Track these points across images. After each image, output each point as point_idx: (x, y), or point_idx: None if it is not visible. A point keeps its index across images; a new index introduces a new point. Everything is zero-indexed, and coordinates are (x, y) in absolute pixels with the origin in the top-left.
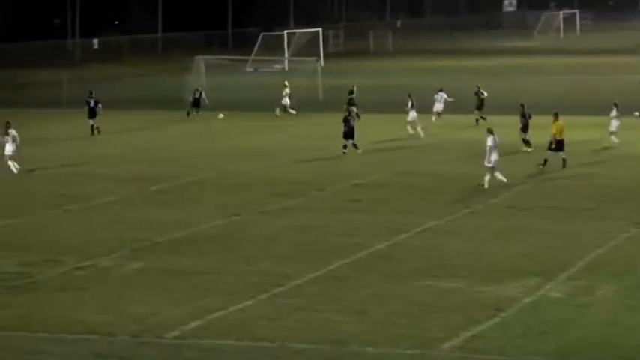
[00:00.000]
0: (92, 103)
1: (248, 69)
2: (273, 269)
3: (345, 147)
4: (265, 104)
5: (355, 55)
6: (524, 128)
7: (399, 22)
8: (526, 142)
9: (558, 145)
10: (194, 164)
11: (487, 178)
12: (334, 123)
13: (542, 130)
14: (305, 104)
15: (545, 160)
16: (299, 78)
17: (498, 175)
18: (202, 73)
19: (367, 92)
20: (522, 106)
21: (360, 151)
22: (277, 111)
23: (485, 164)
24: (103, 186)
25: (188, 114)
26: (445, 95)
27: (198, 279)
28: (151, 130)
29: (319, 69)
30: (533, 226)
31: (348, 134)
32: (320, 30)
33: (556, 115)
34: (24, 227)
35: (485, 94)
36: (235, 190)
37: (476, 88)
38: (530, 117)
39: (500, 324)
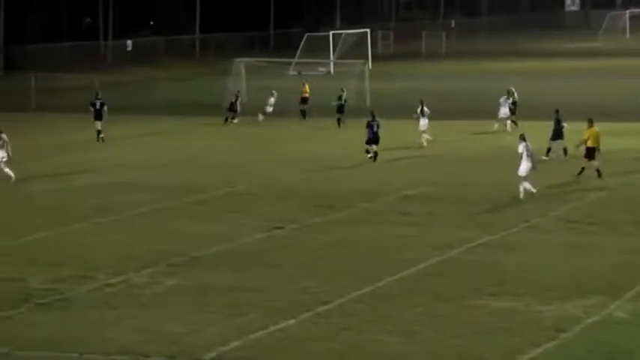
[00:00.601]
0: (98, 106)
1: (291, 72)
2: (318, 287)
3: (367, 152)
4: (309, 109)
5: (406, 58)
6: (556, 135)
7: (453, 22)
8: (548, 150)
9: (588, 153)
10: (233, 173)
11: (521, 188)
12: (384, 129)
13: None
14: (351, 110)
15: (582, 170)
16: (345, 81)
17: (527, 185)
18: (242, 76)
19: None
20: (557, 111)
21: (369, 155)
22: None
23: (519, 174)
24: (135, 197)
25: (226, 120)
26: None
27: (238, 296)
28: (187, 137)
29: (367, 72)
30: (598, 241)
31: (372, 140)
32: (368, 30)
33: (590, 121)
34: (53, 241)
35: (516, 97)
36: (278, 201)
37: (511, 91)
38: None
39: (561, 346)
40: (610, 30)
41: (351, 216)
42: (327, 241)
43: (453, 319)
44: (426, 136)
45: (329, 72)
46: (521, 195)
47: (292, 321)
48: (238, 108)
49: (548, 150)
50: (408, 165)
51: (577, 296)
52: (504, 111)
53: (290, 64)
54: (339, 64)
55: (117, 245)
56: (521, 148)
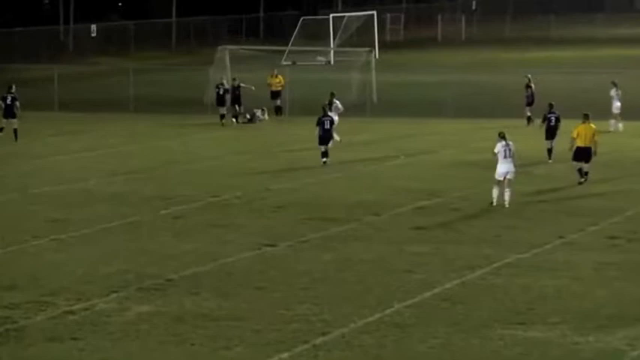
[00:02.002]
0: (9, 100)
1: (284, 62)
2: (316, 314)
3: (323, 155)
4: (306, 106)
5: (419, 45)
6: (549, 133)
7: (474, 4)
8: (549, 152)
9: (578, 154)
10: (217, 181)
11: (495, 193)
12: (392, 129)
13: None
14: (356, 106)
15: (579, 171)
16: (348, 73)
17: (506, 193)
18: (227, 66)
19: (433, 90)
20: (550, 105)
21: (325, 160)
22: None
23: (495, 176)
24: (100, 208)
25: (222, 117)
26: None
27: (221, 326)
28: (162, 139)
29: (373, 62)
30: None
31: (324, 138)
32: (374, 13)
33: (586, 117)
34: (4, 261)
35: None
36: (269, 214)
37: (526, 80)
38: (548, 121)
39: None
40: None
41: (354, 231)
42: (326, 260)
43: (475, 353)
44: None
45: (328, 62)
46: (494, 201)
47: (286, 354)
48: (228, 102)
49: (550, 151)
50: (421, 171)
51: (620, 326)
52: (617, 105)
53: (283, 52)
54: (340, 53)
55: (79, 265)
56: (498, 147)
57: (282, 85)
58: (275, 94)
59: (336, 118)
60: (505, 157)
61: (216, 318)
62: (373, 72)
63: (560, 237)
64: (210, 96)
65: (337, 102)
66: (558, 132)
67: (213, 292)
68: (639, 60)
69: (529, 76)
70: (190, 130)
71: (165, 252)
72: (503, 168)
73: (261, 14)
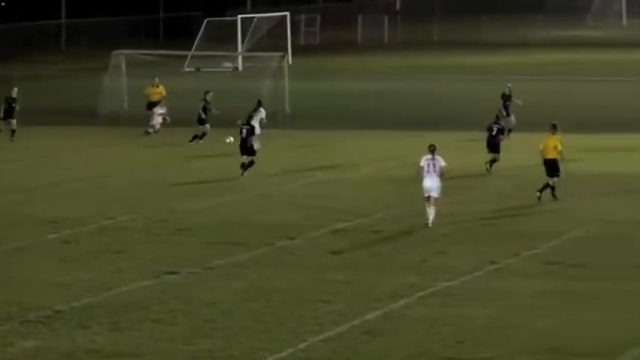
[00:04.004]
0: None
1: (187, 68)
2: (222, 349)
3: (242, 166)
4: (214, 118)
5: (336, 49)
6: (491, 145)
7: (398, 4)
8: (491, 163)
9: (545, 167)
10: (112, 202)
11: (428, 209)
12: (307, 143)
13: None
14: (267, 117)
15: (545, 187)
16: (258, 80)
17: (431, 213)
18: (123, 73)
19: (352, 99)
20: (497, 117)
21: (245, 173)
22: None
23: (424, 193)
24: None
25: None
26: None
27: None
28: (51, 155)
29: (286, 68)
30: (585, 289)
31: (242, 148)
32: (287, 14)
33: (554, 127)
34: None
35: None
36: (170, 237)
37: (507, 89)
38: (490, 131)
39: None
40: (602, 14)
41: (266, 257)
42: (234, 289)
43: None
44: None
45: (236, 68)
46: (430, 223)
47: None
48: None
49: (492, 162)
50: (340, 189)
51: None
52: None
53: (186, 58)
54: (249, 58)
55: None
56: (422, 161)
57: (162, 96)
58: (152, 105)
59: (257, 126)
60: (428, 171)
61: (110, 354)
62: (286, 79)
63: (493, 262)
64: (108, 106)
65: (262, 110)
66: (502, 145)
67: (107, 326)
68: (581, 64)
69: (510, 85)
70: (82, 144)
71: (53, 281)
72: (427, 183)
73: (161, 15)
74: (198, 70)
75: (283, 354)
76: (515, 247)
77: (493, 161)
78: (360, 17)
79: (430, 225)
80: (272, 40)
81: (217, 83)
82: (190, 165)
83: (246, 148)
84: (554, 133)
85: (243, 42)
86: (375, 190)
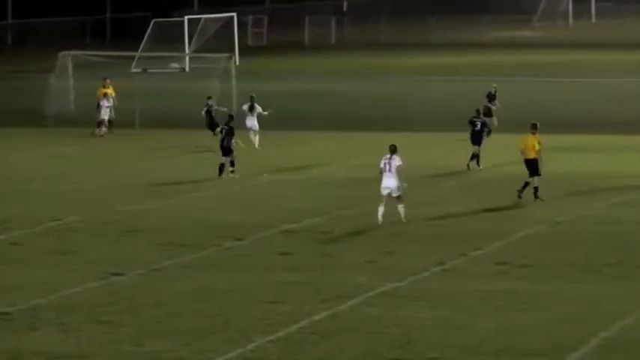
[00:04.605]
0: None
1: (134, 69)
2: (170, 350)
3: (221, 169)
4: (157, 117)
5: (284, 50)
6: (474, 138)
7: (345, 5)
8: (472, 158)
9: (528, 167)
10: (59, 203)
11: (380, 211)
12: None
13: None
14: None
15: (524, 186)
16: (206, 81)
17: (399, 209)
18: (70, 74)
19: (300, 100)
20: (477, 111)
21: (236, 176)
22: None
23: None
24: None
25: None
26: None
27: None
28: None
29: (233, 69)
30: (533, 289)
31: (223, 150)
32: (234, 15)
33: (534, 127)
34: None
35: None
36: (118, 239)
37: (493, 89)
38: (473, 125)
39: None
40: (548, 15)
41: (213, 258)
42: (181, 290)
43: None
44: (256, 138)
45: (183, 69)
46: (380, 220)
47: None
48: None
49: (475, 157)
50: (288, 190)
51: None
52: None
53: (133, 59)
54: (196, 59)
55: None
56: (382, 161)
57: (112, 97)
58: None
59: (256, 123)
60: (385, 171)
61: (58, 356)
62: (233, 80)
63: (441, 263)
64: (55, 107)
65: (257, 105)
66: (484, 138)
67: (55, 327)
68: (526, 66)
69: (495, 85)
70: (29, 145)
71: (0, 283)
72: (384, 182)
73: (108, 15)
74: (145, 71)
75: (232, 355)
76: (463, 248)
77: (474, 156)
78: (307, 18)
79: (404, 220)
80: (219, 41)
81: (164, 84)
82: (138, 166)
83: (225, 149)
84: (534, 133)
85: (190, 43)
86: (324, 191)
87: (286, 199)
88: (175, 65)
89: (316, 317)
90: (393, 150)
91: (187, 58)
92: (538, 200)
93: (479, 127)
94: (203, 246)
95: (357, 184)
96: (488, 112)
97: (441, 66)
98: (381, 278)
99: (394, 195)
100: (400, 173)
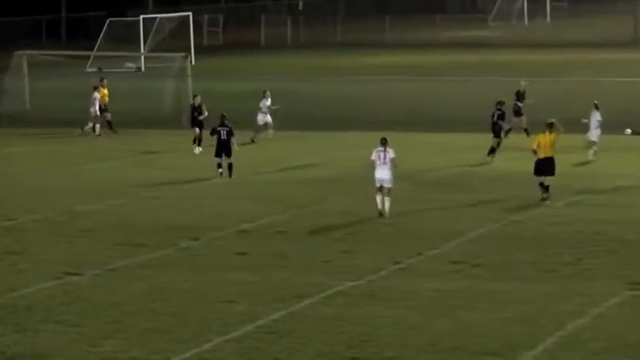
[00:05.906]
0: None
1: (89, 69)
2: (125, 350)
3: (219, 166)
4: (116, 119)
5: (240, 50)
6: (494, 130)
7: (300, 4)
8: (490, 152)
9: (538, 167)
10: (12, 202)
11: (378, 200)
12: (212, 146)
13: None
14: (167, 118)
15: (542, 187)
16: (161, 81)
17: (385, 202)
18: (24, 74)
19: (256, 100)
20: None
21: (220, 170)
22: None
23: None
24: None
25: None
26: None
27: None
28: None
29: (189, 69)
30: (489, 288)
31: (221, 150)
32: (190, 14)
33: (550, 126)
34: None
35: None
36: (73, 239)
37: (522, 87)
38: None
39: None
40: (503, 15)
41: (168, 258)
42: (136, 290)
43: None
44: (271, 132)
45: (139, 68)
46: (386, 212)
47: None
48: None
49: (491, 152)
50: (244, 190)
51: (462, 359)
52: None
53: (88, 58)
54: (152, 59)
55: None
56: (374, 153)
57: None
58: (105, 110)
59: (269, 117)
60: (379, 163)
61: (14, 356)
62: (189, 79)
63: (396, 262)
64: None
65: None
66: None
67: (9, 328)
68: (483, 65)
69: (524, 83)
70: None
71: None
72: (379, 174)
73: (63, 15)
74: (100, 70)
75: (188, 354)
76: (420, 247)
77: (492, 150)
78: (263, 17)
79: (387, 215)
80: (175, 40)
81: (120, 84)
82: (94, 166)
83: (227, 150)
84: (550, 132)
85: (145, 42)
86: (279, 191)
87: (240, 199)
88: (131, 65)
89: (273, 316)
90: (385, 142)
91: (143, 58)
92: (548, 202)
93: (495, 118)
94: (158, 246)
95: (311, 183)
96: (518, 112)
97: (396, 66)
98: (337, 277)
99: (386, 186)
100: (395, 165)
